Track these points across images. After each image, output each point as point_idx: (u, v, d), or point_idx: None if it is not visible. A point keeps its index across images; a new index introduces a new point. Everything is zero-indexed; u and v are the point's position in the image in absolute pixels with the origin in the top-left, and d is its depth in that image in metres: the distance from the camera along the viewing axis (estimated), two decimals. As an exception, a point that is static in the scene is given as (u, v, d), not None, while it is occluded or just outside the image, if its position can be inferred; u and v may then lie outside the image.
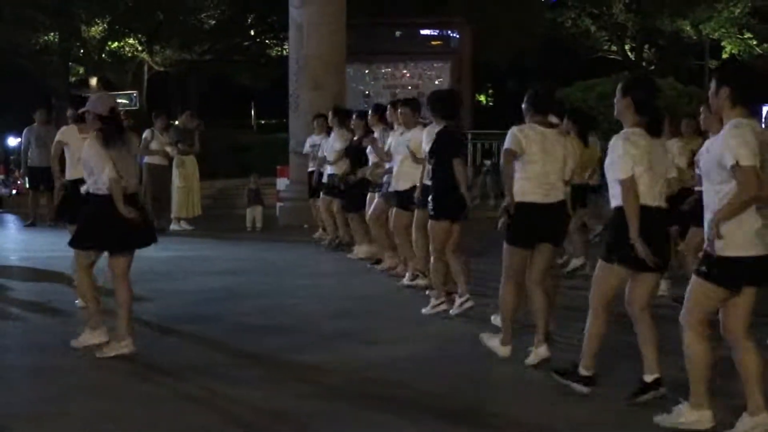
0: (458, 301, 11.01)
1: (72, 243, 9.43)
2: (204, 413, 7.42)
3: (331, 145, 16.24)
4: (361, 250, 15.71)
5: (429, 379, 8.38)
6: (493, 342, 9.08)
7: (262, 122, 45.34)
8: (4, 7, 30.20)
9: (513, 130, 8.72)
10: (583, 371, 7.64)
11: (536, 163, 8.65)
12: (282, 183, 22.34)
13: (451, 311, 11.02)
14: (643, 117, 7.37)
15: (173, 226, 19.86)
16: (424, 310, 11.12)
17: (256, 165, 25.07)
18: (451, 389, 8.08)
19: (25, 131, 21.99)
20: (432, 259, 11.13)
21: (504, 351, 8.97)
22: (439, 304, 11.11)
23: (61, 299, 12.12)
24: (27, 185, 22.71)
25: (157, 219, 18.41)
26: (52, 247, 17.50)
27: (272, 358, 9.23)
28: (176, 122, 20.46)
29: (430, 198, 10.89)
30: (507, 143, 8.67)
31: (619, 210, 7.22)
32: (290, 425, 7.19)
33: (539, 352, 8.68)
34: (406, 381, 8.31)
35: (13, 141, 31.78)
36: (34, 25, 31.45)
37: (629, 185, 7.11)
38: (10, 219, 23.57)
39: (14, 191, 27.12)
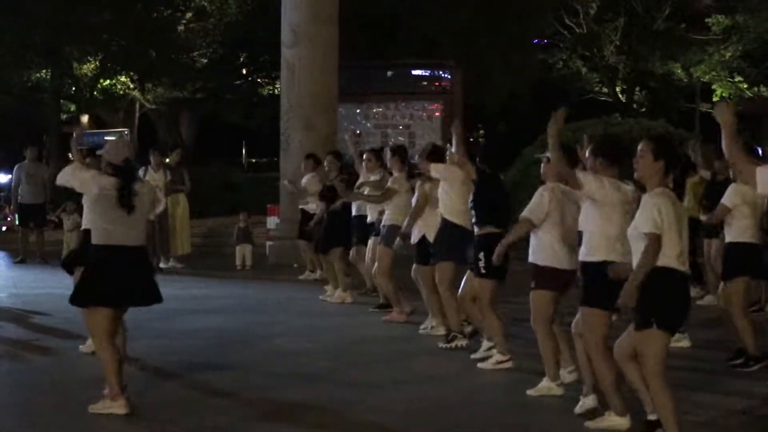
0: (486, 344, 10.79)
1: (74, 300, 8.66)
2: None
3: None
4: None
5: (421, 424, 8.34)
6: (609, 420, 8.01)
7: (253, 161, 45.34)
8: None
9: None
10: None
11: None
12: (272, 221, 22.32)
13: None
14: (668, 177, 7.24)
15: (161, 264, 19.79)
16: (480, 365, 10.46)
17: (246, 203, 25.06)
18: None
19: (15, 168, 22.00)
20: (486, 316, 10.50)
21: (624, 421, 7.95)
22: (505, 361, 10.42)
23: (49, 338, 12.09)
24: (17, 222, 22.68)
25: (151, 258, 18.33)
26: (42, 284, 17.51)
27: (259, 396, 9.19)
28: (167, 160, 20.42)
29: (481, 255, 10.33)
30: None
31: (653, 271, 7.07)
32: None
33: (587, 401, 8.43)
34: (395, 424, 8.28)
35: (3, 177, 31.75)
36: (25, 62, 31.46)
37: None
38: (0, 255, 23.52)
39: (4, 228, 27.07)
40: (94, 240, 8.57)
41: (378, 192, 13.91)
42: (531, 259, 9.00)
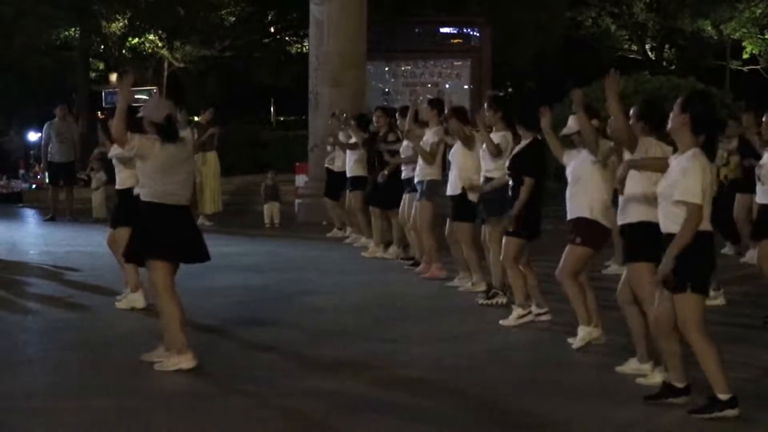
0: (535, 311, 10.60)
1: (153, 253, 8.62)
2: (217, 410, 7.40)
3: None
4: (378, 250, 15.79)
5: (455, 380, 8.38)
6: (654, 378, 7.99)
7: (282, 119, 45.28)
8: (25, 4, 30.21)
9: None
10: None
11: None
12: (300, 180, 22.32)
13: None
14: (700, 136, 7.11)
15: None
16: (502, 322, 10.43)
17: (274, 162, 25.09)
18: (472, 392, 8.08)
19: (45, 126, 22.08)
20: (510, 271, 10.55)
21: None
22: (525, 315, 10.48)
23: (80, 294, 12.16)
24: (47, 180, 22.80)
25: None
26: (71, 241, 17.61)
27: (294, 352, 9.24)
28: (197, 119, 20.44)
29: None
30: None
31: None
32: (306, 419, 7.21)
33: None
34: (432, 380, 8.32)
35: (33, 136, 31.86)
36: (54, 21, 31.48)
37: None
38: (30, 213, 23.64)
39: (34, 186, 27.21)
40: (151, 198, 8.55)
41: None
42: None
